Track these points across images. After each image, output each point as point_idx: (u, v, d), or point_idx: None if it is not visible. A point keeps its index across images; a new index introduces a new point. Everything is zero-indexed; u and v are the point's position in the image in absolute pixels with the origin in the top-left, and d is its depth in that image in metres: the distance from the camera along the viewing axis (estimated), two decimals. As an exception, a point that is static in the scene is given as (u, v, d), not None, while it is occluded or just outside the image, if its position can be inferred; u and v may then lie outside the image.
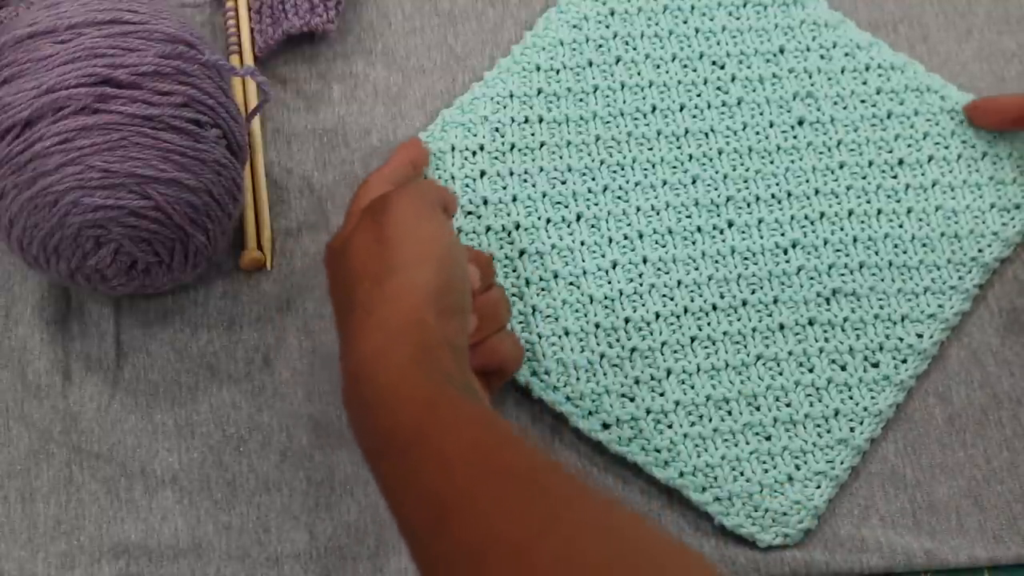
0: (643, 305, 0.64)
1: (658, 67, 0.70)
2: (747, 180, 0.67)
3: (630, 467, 0.61)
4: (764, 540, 0.60)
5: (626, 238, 0.65)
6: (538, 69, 0.69)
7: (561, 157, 0.67)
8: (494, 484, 0.46)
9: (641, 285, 0.64)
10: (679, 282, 0.65)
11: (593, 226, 0.66)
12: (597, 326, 0.63)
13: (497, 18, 0.72)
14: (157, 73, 0.56)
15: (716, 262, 0.65)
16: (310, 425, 0.62)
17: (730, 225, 0.66)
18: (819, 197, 0.67)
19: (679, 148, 0.68)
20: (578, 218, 0.66)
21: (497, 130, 0.68)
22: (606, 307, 0.64)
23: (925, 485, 0.62)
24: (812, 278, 0.65)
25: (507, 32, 0.72)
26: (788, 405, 0.62)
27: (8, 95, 0.56)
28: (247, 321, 0.64)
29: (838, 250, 0.66)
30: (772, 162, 0.68)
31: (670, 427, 0.61)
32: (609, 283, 0.64)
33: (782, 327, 0.64)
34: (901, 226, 0.67)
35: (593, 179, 0.67)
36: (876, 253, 0.66)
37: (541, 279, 0.64)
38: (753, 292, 0.65)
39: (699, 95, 0.69)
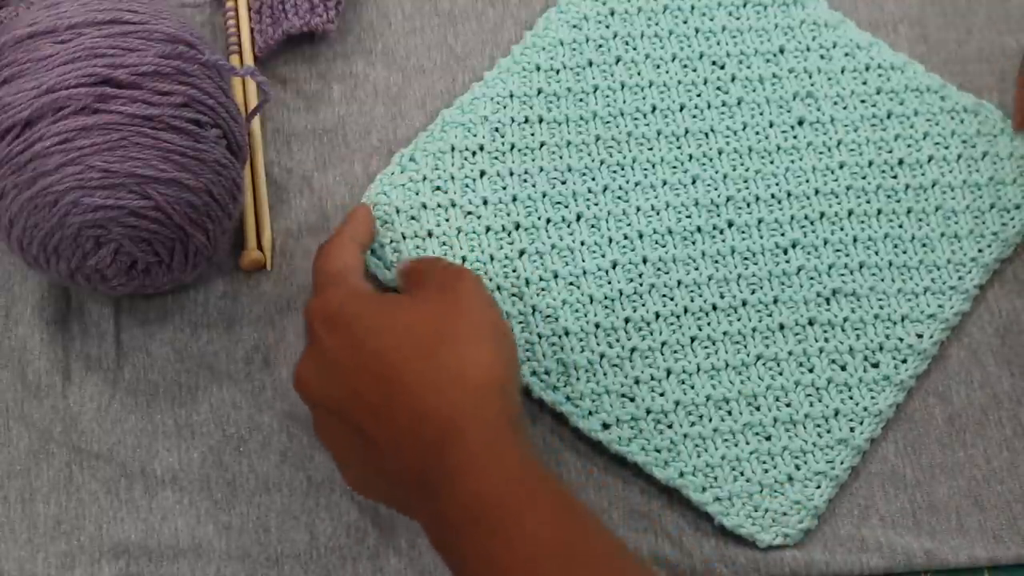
0: (643, 305, 0.64)
1: (658, 67, 0.70)
2: (747, 180, 0.67)
3: (630, 467, 0.61)
4: (764, 540, 0.60)
5: (626, 238, 0.65)
6: (538, 69, 0.69)
7: (561, 157, 0.67)
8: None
9: (641, 285, 0.64)
10: (679, 282, 0.65)
11: (593, 226, 0.66)
12: (597, 326, 0.63)
13: (497, 18, 0.72)
14: (157, 73, 0.56)
15: (716, 262, 0.65)
16: (310, 425, 0.62)
17: (730, 225, 0.66)
18: (819, 197, 0.67)
19: (679, 148, 0.68)
20: (578, 218, 0.66)
21: (497, 130, 0.68)
22: (606, 307, 0.64)
23: (925, 485, 0.62)
24: (812, 278, 0.65)
25: (507, 32, 0.72)
26: (788, 405, 0.62)
27: (8, 95, 0.56)
28: (247, 321, 0.64)
29: (838, 250, 0.66)
30: (772, 162, 0.68)
31: (670, 427, 0.61)
32: (609, 283, 0.64)
33: (782, 327, 0.64)
34: (901, 226, 0.67)
35: (593, 179, 0.67)
36: (876, 253, 0.66)
37: (541, 279, 0.64)
38: (753, 292, 0.65)
39: (699, 95, 0.69)
